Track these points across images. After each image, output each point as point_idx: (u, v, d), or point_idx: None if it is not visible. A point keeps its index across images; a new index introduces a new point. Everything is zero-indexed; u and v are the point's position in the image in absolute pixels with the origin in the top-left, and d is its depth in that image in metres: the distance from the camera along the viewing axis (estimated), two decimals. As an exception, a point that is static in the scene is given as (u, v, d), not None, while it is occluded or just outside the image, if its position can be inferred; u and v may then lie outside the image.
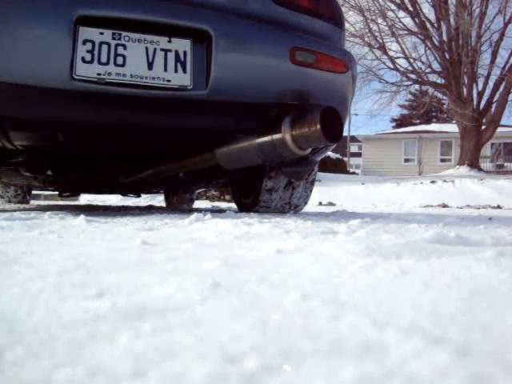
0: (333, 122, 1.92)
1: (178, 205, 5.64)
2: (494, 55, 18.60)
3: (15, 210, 2.87)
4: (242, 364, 0.39)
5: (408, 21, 19.20)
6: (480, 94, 18.91)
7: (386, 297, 0.61)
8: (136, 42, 1.89)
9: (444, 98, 20.98)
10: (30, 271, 0.77)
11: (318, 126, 1.89)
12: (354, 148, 34.13)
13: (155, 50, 1.91)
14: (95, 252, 1.00)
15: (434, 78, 19.67)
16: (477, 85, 18.98)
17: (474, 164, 18.28)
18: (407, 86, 20.76)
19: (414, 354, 0.41)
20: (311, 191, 2.94)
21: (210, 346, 0.43)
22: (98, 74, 1.82)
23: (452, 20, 18.22)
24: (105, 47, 1.84)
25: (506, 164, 23.59)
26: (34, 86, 1.79)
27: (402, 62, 26.47)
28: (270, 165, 2.59)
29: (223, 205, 7.58)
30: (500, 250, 0.95)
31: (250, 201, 2.92)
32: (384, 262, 0.85)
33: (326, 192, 10.86)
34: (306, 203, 3.00)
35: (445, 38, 18.56)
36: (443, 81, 18.98)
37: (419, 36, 19.01)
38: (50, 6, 1.80)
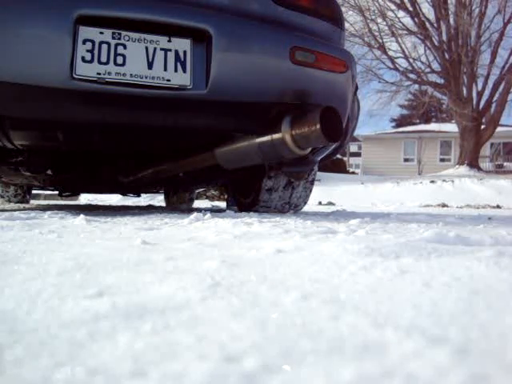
0: (332, 122, 1.92)
1: (178, 204, 5.64)
2: (494, 55, 18.63)
3: (15, 210, 2.87)
4: (241, 364, 0.39)
5: (408, 21, 19.25)
6: (479, 94, 18.93)
7: (385, 296, 0.61)
8: (136, 41, 1.89)
9: (444, 97, 21.00)
10: (30, 271, 0.77)
11: (318, 126, 1.89)
12: (353, 148, 34.13)
13: (155, 49, 1.91)
14: (95, 251, 1.00)
15: (433, 77, 19.71)
16: (476, 84, 19.01)
17: (474, 164, 18.29)
18: (407, 85, 20.78)
19: (413, 354, 0.41)
20: (311, 191, 2.94)
21: (209, 345, 0.43)
22: (98, 74, 1.82)
23: (451, 20, 18.24)
24: (105, 47, 1.84)
25: (505, 164, 23.60)
26: (34, 86, 1.79)
27: (402, 62, 26.45)
28: (270, 164, 2.59)
29: (223, 204, 7.57)
30: (500, 250, 0.95)
31: (249, 200, 2.92)
32: (384, 262, 0.85)
33: (325, 192, 10.87)
34: (305, 203, 3.00)
35: (444, 37, 18.58)
36: (443, 81, 19.00)
37: (419, 36, 19.03)
38: (50, 6, 1.80)
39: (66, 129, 2.22)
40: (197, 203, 7.32)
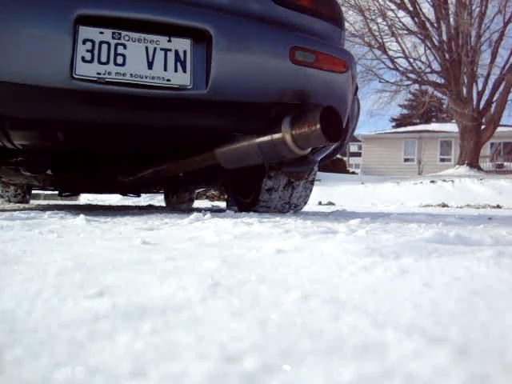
0: (333, 122, 1.92)
1: (178, 204, 5.64)
2: (494, 55, 18.62)
3: (15, 210, 2.87)
4: (241, 364, 0.39)
5: (408, 20, 19.24)
6: (480, 94, 18.93)
7: (385, 296, 0.61)
8: (136, 41, 1.89)
9: (444, 97, 21.00)
10: (29, 271, 0.77)
11: (318, 126, 1.89)
12: (353, 147, 34.15)
13: (155, 49, 1.91)
14: (95, 252, 1.00)
15: (433, 77, 19.71)
16: (476, 84, 19.00)
17: (474, 164, 18.28)
18: (407, 85, 20.77)
19: (413, 354, 0.41)
20: (311, 191, 2.94)
21: (209, 345, 0.43)
22: (98, 74, 1.82)
23: (452, 20, 18.24)
24: (105, 46, 1.84)
25: (505, 164, 23.59)
26: (34, 86, 1.79)
27: (402, 62, 26.49)
28: (270, 164, 2.59)
29: (223, 204, 7.57)
30: (500, 250, 0.95)
31: (249, 200, 2.92)
32: (384, 262, 0.85)
33: (325, 192, 10.87)
34: (305, 203, 3.00)
35: (444, 37, 18.57)
36: (443, 80, 19.00)
37: (419, 36, 19.03)
38: (50, 6, 1.80)
39: (66, 129, 2.22)
40: (197, 203, 7.32)
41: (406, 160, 26.04)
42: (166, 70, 1.92)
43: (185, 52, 1.96)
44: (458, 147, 19.89)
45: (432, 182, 12.58)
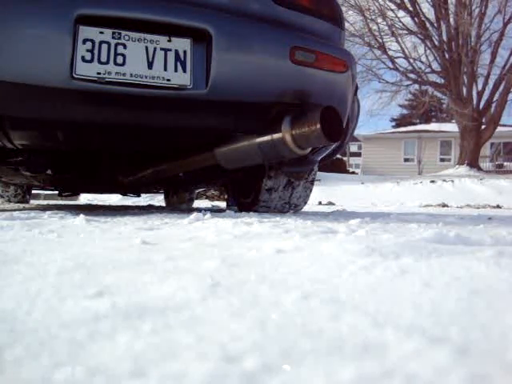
0: (333, 122, 1.92)
1: (178, 204, 5.64)
2: (494, 55, 18.63)
3: (15, 210, 2.87)
4: (241, 364, 0.39)
5: (408, 20, 19.25)
6: (480, 94, 18.94)
7: (385, 296, 0.61)
8: (136, 41, 1.89)
9: (444, 97, 21.01)
10: (29, 270, 0.77)
11: (318, 126, 1.89)
12: (353, 147, 34.13)
13: (155, 49, 1.91)
14: (95, 251, 1.00)
15: (433, 77, 19.72)
16: (476, 84, 19.01)
17: (474, 163, 18.29)
18: (407, 85, 20.78)
19: (413, 354, 0.41)
20: (311, 191, 2.94)
21: (209, 345, 0.43)
22: (98, 73, 1.82)
23: (452, 20, 18.24)
24: (105, 46, 1.84)
25: (505, 164, 23.59)
26: (34, 85, 1.79)
27: (402, 62, 26.50)
28: (270, 164, 2.59)
29: (223, 204, 7.57)
30: (500, 250, 0.95)
31: (249, 200, 2.92)
32: (384, 262, 0.85)
33: (325, 192, 10.87)
34: (305, 203, 3.00)
35: (444, 37, 18.58)
36: (443, 80, 19.01)
37: (419, 36, 19.03)
38: (50, 6, 1.80)
39: (66, 129, 2.22)
40: (197, 203, 7.32)
41: (406, 160, 26.02)
42: (165, 69, 1.92)
43: (185, 52, 1.96)
44: (458, 147, 19.89)
45: (432, 181, 12.58)
